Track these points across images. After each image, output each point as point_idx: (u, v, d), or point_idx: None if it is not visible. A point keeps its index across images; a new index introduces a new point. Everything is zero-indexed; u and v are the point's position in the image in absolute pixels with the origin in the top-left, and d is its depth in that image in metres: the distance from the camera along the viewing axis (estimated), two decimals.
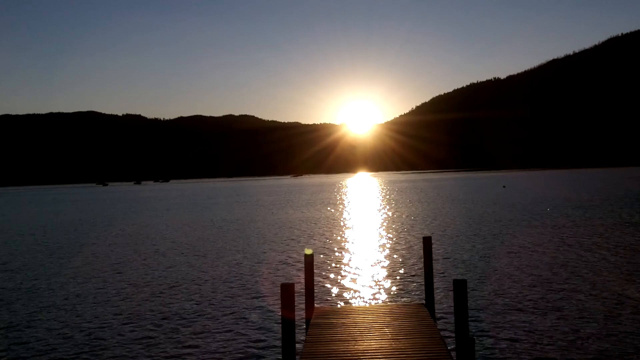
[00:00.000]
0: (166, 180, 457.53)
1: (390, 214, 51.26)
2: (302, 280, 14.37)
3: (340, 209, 59.84)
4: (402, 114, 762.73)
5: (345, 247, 29.77)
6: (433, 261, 14.27)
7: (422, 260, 14.75)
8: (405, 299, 17.37)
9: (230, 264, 25.30)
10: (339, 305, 16.43)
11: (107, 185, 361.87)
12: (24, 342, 14.10)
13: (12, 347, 13.70)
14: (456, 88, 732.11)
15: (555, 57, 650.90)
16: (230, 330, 14.49)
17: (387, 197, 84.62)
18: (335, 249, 29.34)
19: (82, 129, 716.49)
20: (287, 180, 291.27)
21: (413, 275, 21.01)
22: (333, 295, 18.36)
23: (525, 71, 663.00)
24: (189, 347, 13.24)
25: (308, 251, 27.89)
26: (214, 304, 17.53)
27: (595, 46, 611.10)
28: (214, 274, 23.01)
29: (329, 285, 19.83)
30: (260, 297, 18.35)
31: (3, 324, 16.00)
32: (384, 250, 28.25)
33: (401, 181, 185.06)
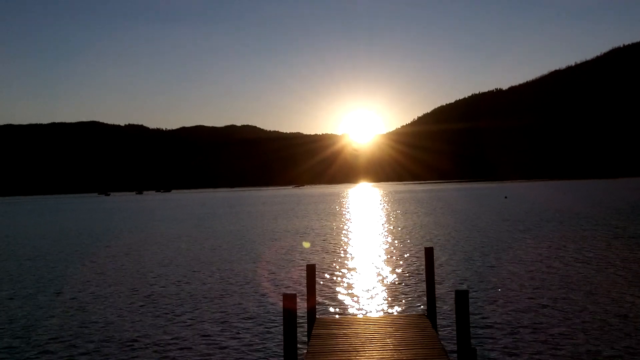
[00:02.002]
0: (168, 190, 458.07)
1: (392, 224, 51.24)
2: (304, 291, 14.36)
3: (341, 220, 59.82)
4: (404, 124, 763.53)
5: (347, 258, 29.75)
6: (435, 272, 14.28)
7: (424, 271, 14.75)
8: (407, 309, 17.35)
9: (231, 274, 25.29)
10: (340, 316, 16.43)
11: (109, 195, 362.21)
12: None
13: None
14: (458, 99, 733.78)
15: (557, 68, 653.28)
16: (232, 341, 14.47)
17: (389, 207, 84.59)
18: (337, 259, 29.32)
19: (84, 139, 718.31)
20: (289, 191, 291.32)
21: (415, 286, 20.99)
22: (335, 305, 18.35)
23: (527, 82, 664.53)
24: (189, 357, 13.23)
25: (306, 244, 27.90)
26: (214, 314, 17.51)
27: (597, 57, 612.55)
28: (214, 284, 22.99)
29: (330, 296, 19.81)
30: (262, 307, 18.33)
31: None
32: (385, 260, 28.22)
33: (403, 192, 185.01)
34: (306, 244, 28.08)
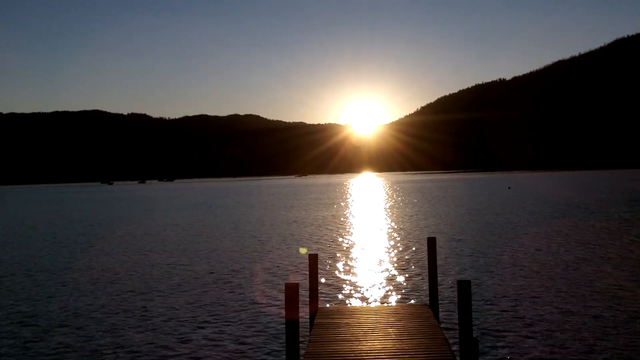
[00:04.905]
0: (171, 179, 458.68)
1: (394, 214, 51.23)
2: (306, 280, 14.36)
3: (344, 210, 59.82)
4: (407, 114, 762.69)
5: (350, 248, 29.77)
6: (437, 262, 14.25)
7: (426, 261, 14.73)
8: (409, 299, 17.36)
9: (234, 263, 25.32)
10: (342, 306, 16.43)
11: (112, 184, 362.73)
12: None
13: None
14: (462, 89, 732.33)
15: (561, 58, 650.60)
16: (234, 330, 14.50)
17: (392, 197, 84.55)
18: (340, 249, 29.35)
19: (87, 127, 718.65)
20: (291, 180, 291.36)
21: (417, 276, 20.99)
22: (337, 295, 18.36)
23: (531, 72, 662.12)
24: (192, 346, 13.26)
25: (303, 250, 27.84)
26: (217, 303, 17.54)
27: (602, 47, 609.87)
28: (217, 273, 23.03)
29: (333, 286, 19.83)
30: (264, 296, 18.36)
31: None
32: (388, 250, 28.23)
33: (406, 182, 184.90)
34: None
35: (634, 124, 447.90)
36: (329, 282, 20.49)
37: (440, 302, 15.07)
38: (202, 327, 14.84)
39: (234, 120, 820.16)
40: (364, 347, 10.08)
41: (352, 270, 22.79)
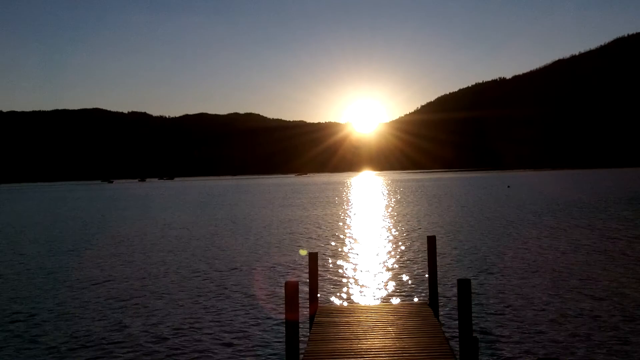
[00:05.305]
0: (171, 177, 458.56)
1: (394, 213, 51.22)
2: (306, 279, 14.38)
3: (344, 208, 59.82)
4: (408, 113, 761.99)
5: (349, 246, 29.77)
6: (437, 261, 14.26)
7: (426, 260, 14.73)
8: (409, 298, 17.37)
9: (234, 262, 25.33)
10: (342, 304, 16.44)
11: (112, 182, 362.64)
12: None
13: None
14: (462, 87, 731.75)
15: (561, 57, 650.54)
16: (233, 329, 14.51)
17: (392, 196, 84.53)
18: (339, 247, 29.35)
19: (87, 126, 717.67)
20: (291, 179, 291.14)
21: (417, 275, 21.00)
22: (337, 293, 18.37)
23: (531, 71, 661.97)
24: (191, 345, 13.27)
25: (303, 252, 27.82)
26: (216, 302, 17.55)
27: (601, 47, 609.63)
28: (216, 271, 23.04)
29: (332, 284, 19.83)
30: (264, 295, 18.36)
31: None
32: (388, 249, 28.24)
33: (406, 180, 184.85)
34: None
35: (634, 123, 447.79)
36: (329, 280, 20.49)
37: (440, 300, 15.08)
38: (201, 326, 14.84)
39: (234, 118, 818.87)
40: (364, 346, 10.10)
41: (352, 269, 22.80)
